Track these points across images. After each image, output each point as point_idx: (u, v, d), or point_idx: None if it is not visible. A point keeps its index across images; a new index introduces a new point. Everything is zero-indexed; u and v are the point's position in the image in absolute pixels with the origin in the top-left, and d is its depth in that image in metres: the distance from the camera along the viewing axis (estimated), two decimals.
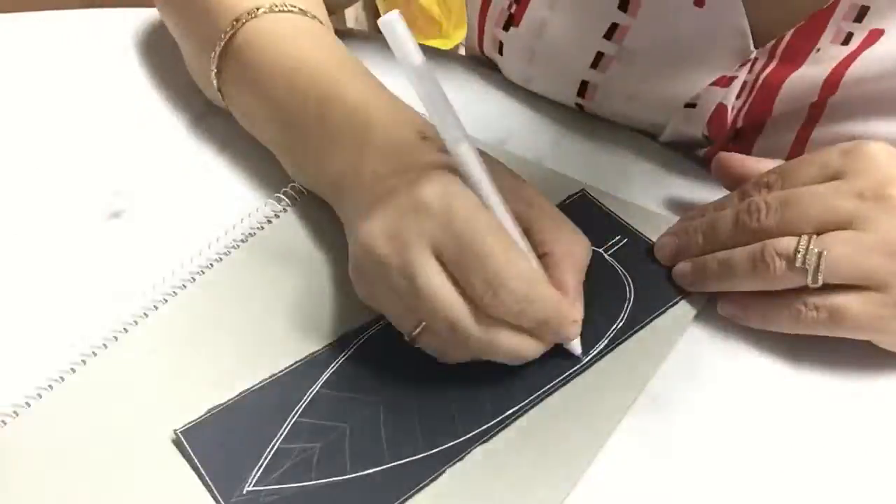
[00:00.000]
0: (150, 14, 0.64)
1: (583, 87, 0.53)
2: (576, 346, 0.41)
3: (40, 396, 0.40)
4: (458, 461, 0.37)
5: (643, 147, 0.53)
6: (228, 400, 0.39)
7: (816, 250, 0.38)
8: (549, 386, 0.40)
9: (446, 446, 0.38)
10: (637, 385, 0.40)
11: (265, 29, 0.47)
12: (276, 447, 0.37)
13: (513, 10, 0.53)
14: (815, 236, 0.38)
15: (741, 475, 0.38)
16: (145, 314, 0.43)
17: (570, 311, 0.38)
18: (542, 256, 0.39)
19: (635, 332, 0.42)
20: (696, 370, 0.42)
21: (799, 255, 0.38)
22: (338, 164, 0.43)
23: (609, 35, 0.50)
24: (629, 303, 0.43)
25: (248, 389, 0.39)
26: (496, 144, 0.53)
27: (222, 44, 0.48)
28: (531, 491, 0.37)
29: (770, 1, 0.46)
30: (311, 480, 0.36)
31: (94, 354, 0.41)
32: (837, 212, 0.38)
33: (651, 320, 0.43)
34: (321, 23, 0.49)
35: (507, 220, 0.38)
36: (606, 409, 0.39)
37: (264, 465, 0.37)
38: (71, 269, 0.46)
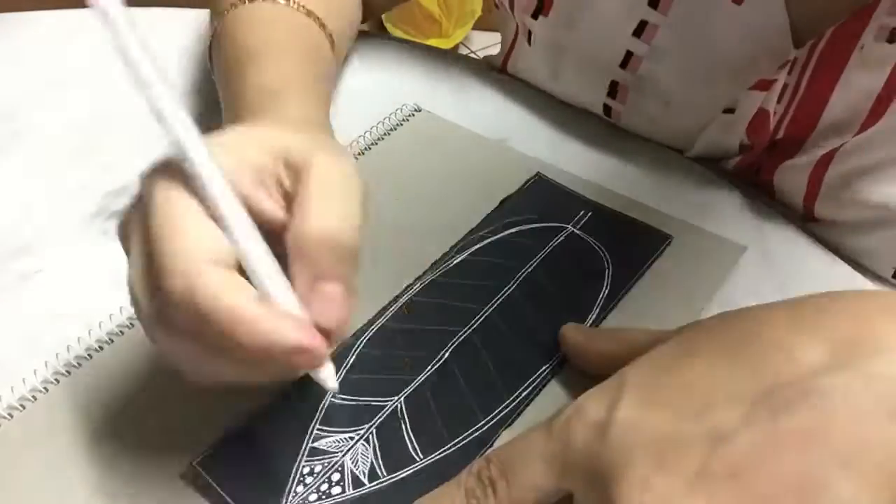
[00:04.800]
0: (147, 13, 0.64)
1: (613, 88, 0.52)
2: (326, 378, 0.32)
3: (34, 399, 0.40)
4: (487, 448, 0.38)
5: (643, 147, 0.53)
6: (240, 425, 0.38)
7: None
8: (554, 359, 0.41)
9: (473, 437, 0.38)
10: None
11: (235, 18, 0.48)
12: (300, 465, 0.37)
13: None
14: None
15: None
16: None
17: (278, 334, 0.28)
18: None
19: (622, 297, 0.44)
20: None
21: None
22: None
23: (638, 33, 0.49)
24: (609, 270, 0.45)
25: (258, 410, 0.38)
26: (497, 143, 0.53)
27: (212, 34, 0.49)
28: None
29: None
30: (344, 493, 0.36)
31: (90, 357, 0.42)
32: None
33: (634, 282, 0.44)
34: (304, 12, 0.48)
35: (220, 199, 0.29)
36: None
37: (292, 488, 0.36)
38: (70, 269, 0.47)
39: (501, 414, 0.39)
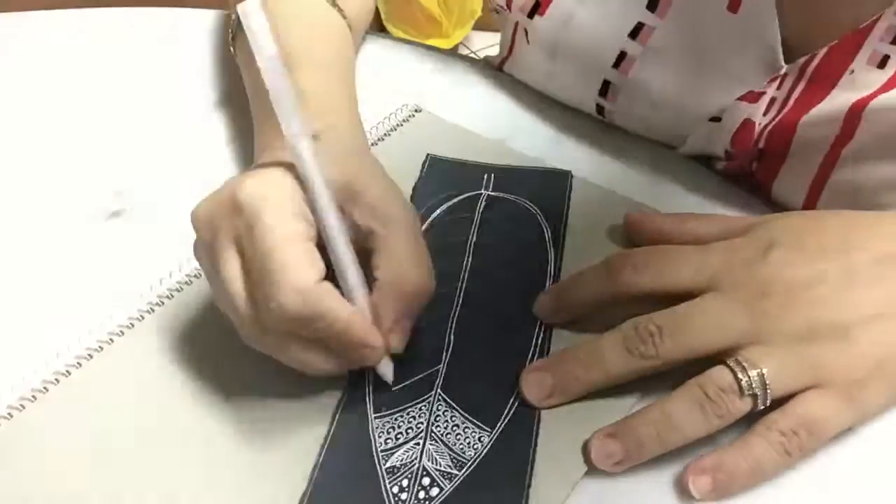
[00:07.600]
0: (149, 13, 0.64)
1: (605, 87, 0.52)
2: (385, 372, 0.39)
3: (34, 399, 0.40)
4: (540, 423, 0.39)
5: (642, 146, 0.54)
6: (309, 482, 0.37)
7: (755, 372, 0.36)
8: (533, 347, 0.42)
9: (517, 392, 0.40)
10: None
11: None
12: (387, 488, 0.36)
13: None
14: (742, 359, 0.36)
15: None
16: (142, 316, 0.43)
17: (364, 336, 0.37)
18: (373, 280, 0.38)
19: (565, 233, 0.47)
20: None
21: (743, 383, 0.36)
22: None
23: (634, 34, 0.49)
24: (539, 215, 0.48)
25: (319, 460, 0.38)
26: (497, 142, 0.53)
27: (234, 20, 0.52)
28: (532, 488, 0.37)
29: (806, 16, 0.45)
30: (444, 491, 0.36)
31: (90, 357, 0.42)
32: (735, 329, 0.37)
33: (566, 217, 0.48)
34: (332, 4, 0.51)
35: (332, 230, 0.37)
36: (609, 407, 0.40)
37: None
38: (70, 269, 0.47)
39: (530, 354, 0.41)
